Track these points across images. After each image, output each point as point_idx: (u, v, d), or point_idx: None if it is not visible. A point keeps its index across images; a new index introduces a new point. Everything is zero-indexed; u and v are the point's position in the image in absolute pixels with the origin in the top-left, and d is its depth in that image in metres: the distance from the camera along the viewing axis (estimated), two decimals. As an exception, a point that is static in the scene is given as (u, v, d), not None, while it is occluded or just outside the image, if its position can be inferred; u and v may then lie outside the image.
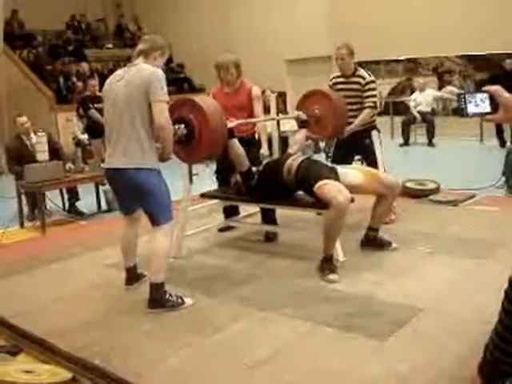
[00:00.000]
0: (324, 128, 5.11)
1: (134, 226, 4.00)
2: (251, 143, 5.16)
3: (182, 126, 3.99)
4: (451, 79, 12.19)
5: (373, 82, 5.35)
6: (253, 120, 5.07)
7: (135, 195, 3.72)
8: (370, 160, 5.39)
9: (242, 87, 5.14)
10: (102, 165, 3.84)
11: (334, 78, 5.56)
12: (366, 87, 5.30)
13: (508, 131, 10.11)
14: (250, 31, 14.60)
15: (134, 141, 3.56)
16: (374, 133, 5.47)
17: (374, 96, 5.33)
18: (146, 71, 3.56)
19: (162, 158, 3.69)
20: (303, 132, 5.00)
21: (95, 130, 9.16)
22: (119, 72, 3.77)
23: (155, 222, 3.68)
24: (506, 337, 2.33)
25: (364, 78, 5.31)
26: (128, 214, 3.96)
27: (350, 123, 5.27)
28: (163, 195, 3.69)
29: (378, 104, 5.42)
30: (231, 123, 4.46)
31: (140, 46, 3.78)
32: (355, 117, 5.29)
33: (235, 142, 4.56)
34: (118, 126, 3.61)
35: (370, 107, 5.30)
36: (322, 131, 5.16)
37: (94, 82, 10.11)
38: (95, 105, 9.40)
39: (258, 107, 5.17)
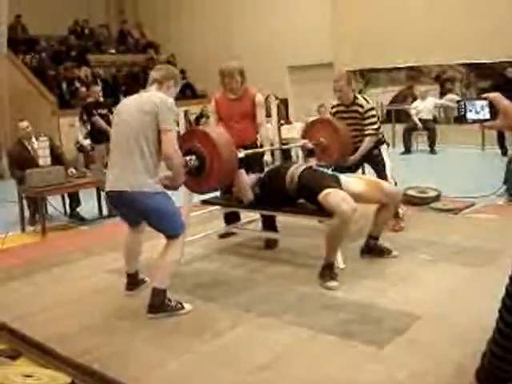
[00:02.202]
0: (329, 155, 5.18)
1: (139, 233, 4.02)
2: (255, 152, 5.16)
3: (193, 157, 4.02)
4: (453, 87, 12.20)
5: (372, 109, 5.40)
6: (261, 149, 5.01)
7: (141, 216, 3.77)
8: (379, 170, 5.40)
9: (245, 94, 5.14)
10: (105, 179, 3.85)
11: (334, 106, 5.61)
12: (366, 115, 5.35)
13: (510, 139, 10.11)
14: (253, 38, 14.63)
15: (139, 164, 3.56)
16: (383, 146, 5.54)
17: (374, 123, 5.36)
18: (157, 98, 3.60)
19: (173, 187, 3.73)
20: (312, 162, 5.06)
21: (98, 135, 9.19)
22: (133, 96, 3.83)
23: (169, 237, 3.70)
24: (505, 345, 2.34)
25: (363, 107, 5.35)
26: (132, 226, 3.99)
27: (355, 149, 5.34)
28: (170, 212, 3.69)
29: (379, 125, 5.45)
30: (241, 153, 4.46)
31: (154, 75, 3.82)
32: (357, 143, 5.35)
33: (242, 172, 4.55)
34: (124, 148, 3.62)
35: (371, 135, 5.35)
36: (327, 159, 5.20)
37: (97, 88, 10.10)
38: (99, 111, 9.43)
39: (261, 114, 5.20)
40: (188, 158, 3.97)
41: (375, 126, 5.36)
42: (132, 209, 3.72)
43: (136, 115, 3.60)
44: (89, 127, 9.98)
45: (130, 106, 3.71)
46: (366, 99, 5.42)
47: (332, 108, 5.65)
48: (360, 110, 5.36)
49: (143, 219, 3.81)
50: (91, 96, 9.93)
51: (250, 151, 4.70)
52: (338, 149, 5.10)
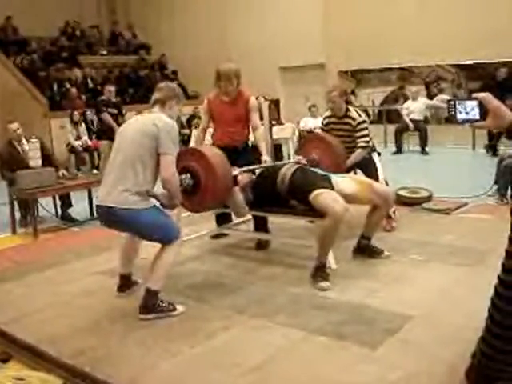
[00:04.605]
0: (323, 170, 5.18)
1: (137, 238, 4.00)
2: (245, 151, 5.15)
3: (188, 176, 4.02)
4: (444, 88, 12.24)
5: (363, 122, 5.41)
6: (253, 167, 4.95)
7: (132, 232, 3.82)
8: (370, 173, 5.40)
9: (240, 97, 5.07)
10: (96, 201, 3.86)
11: (326, 117, 5.64)
12: (357, 128, 5.36)
13: (501, 139, 10.15)
14: (245, 39, 14.64)
15: (132, 184, 3.56)
16: (375, 154, 5.59)
17: (366, 136, 5.38)
18: (159, 122, 3.61)
19: (169, 207, 3.76)
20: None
21: (105, 132, 9.46)
22: (137, 117, 3.88)
23: (164, 244, 3.69)
24: (494, 344, 2.35)
25: (354, 120, 5.37)
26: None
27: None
28: (161, 223, 3.68)
29: (370, 138, 5.48)
30: (235, 171, 4.45)
31: (156, 95, 3.85)
32: (348, 154, 5.36)
33: (236, 190, 4.53)
34: (120, 167, 3.63)
35: (362, 147, 5.37)
36: None
37: (111, 87, 10.47)
38: (109, 109, 9.77)
39: (256, 117, 5.16)
40: (183, 176, 3.97)
41: (367, 139, 5.39)
42: (121, 225, 3.73)
43: (137, 137, 3.62)
44: (94, 124, 10.51)
45: (132, 126, 3.74)
46: (358, 112, 5.45)
47: (324, 119, 5.69)
48: (352, 122, 5.38)
49: (135, 234, 3.84)
50: (105, 94, 10.22)
51: (244, 168, 4.66)
52: (332, 164, 5.10)
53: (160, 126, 3.58)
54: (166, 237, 3.68)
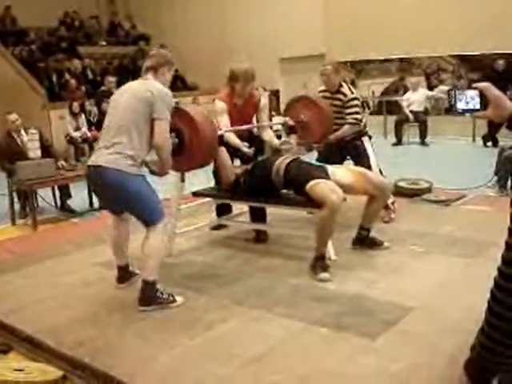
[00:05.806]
0: (311, 133, 5.13)
1: (124, 225, 3.99)
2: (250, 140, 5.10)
3: (173, 134, 4.00)
4: (444, 78, 12.21)
5: (354, 99, 5.38)
6: (243, 127, 4.91)
7: (118, 198, 3.71)
8: (361, 161, 5.36)
9: (250, 98, 4.96)
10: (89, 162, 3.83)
11: (320, 91, 5.60)
12: (347, 104, 5.33)
13: (502, 130, 10.12)
14: (246, 29, 14.58)
15: (126, 148, 3.55)
16: (365, 138, 5.52)
17: (355, 113, 5.34)
18: (153, 88, 3.61)
19: (159, 174, 3.75)
20: (293, 138, 5.03)
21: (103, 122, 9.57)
22: (131, 83, 3.84)
23: (147, 224, 3.67)
24: (494, 336, 2.34)
25: (346, 96, 5.34)
26: (116, 214, 3.96)
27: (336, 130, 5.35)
28: (148, 196, 3.66)
29: (362, 116, 5.44)
30: (221, 131, 4.43)
31: (148, 62, 3.83)
32: (337, 131, 5.34)
33: (223, 150, 4.52)
34: (115, 132, 3.61)
35: (350, 124, 5.33)
36: (309, 136, 5.17)
37: (112, 78, 10.47)
38: (108, 100, 9.82)
39: (264, 117, 5.11)
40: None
41: (357, 116, 5.34)
42: (108, 190, 3.68)
43: (131, 102, 3.61)
44: (93, 115, 10.71)
45: (126, 92, 3.72)
46: (350, 89, 5.42)
47: (319, 92, 5.63)
48: (343, 98, 5.35)
49: (120, 202, 3.75)
50: (105, 85, 10.24)
51: (231, 128, 4.63)
52: (320, 125, 5.06)
53: (155, 92, 3.57)
54: (150, 215, 3.65)
